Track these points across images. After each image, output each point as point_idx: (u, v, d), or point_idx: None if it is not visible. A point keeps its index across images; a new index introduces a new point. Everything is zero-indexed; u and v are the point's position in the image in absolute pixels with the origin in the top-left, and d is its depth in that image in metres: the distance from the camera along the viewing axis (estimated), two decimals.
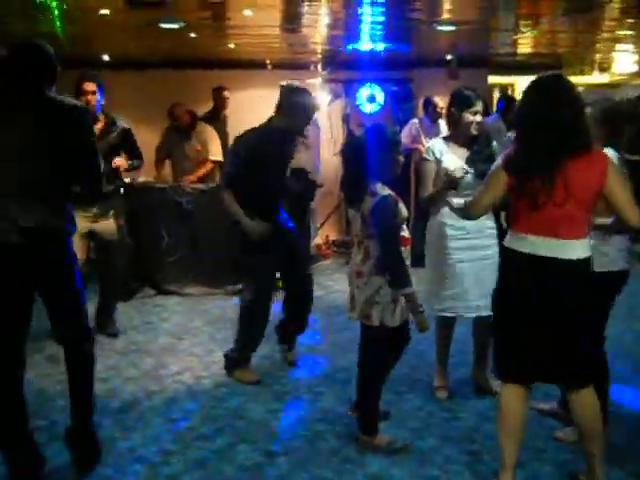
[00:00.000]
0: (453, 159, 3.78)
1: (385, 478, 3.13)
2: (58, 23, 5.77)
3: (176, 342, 5.07)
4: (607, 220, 2.93)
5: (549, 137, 2.66)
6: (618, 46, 8.35)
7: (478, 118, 3.82)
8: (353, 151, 3.35)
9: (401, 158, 3.30)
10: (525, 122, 2.78)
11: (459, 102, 3.82)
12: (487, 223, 3.84)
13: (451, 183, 3.63)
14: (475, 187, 3.58)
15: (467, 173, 3.61)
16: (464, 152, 3.83)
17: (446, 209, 3.74)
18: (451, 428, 3.64)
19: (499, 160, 2.84)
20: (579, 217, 2.71)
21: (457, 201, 3.30)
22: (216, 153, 6.99)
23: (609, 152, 2.99)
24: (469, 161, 3.78)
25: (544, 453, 3.33)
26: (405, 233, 3.24)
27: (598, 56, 9.30)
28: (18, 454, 2.97)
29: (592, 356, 2.87)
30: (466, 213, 3.06)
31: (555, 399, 3.65)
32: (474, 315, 3.88)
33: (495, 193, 2.81)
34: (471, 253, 3.82)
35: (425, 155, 3.90)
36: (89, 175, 3.08)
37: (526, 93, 2.83)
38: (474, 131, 3.81)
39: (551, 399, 3.69)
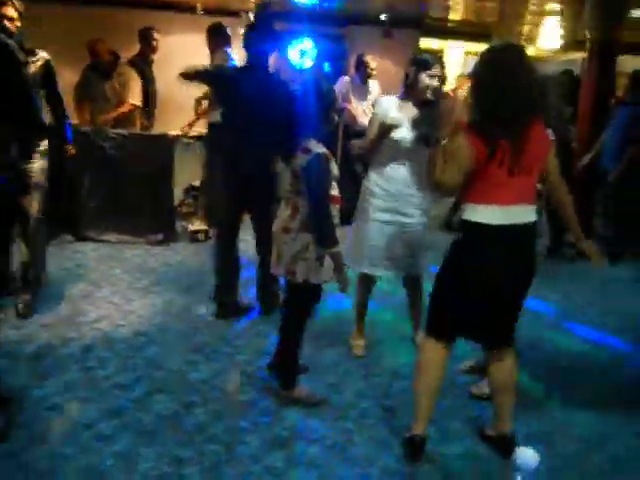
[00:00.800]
0: (399, 117, 3.76)
1: (302, 430, 3.20)
2: None
3: (94, 289, 4.97)
4: None
5: (515, 104, 2.68)
6: (545, 19, 8.55)
7: (435, 82, 3.73)
8: (286, 106, 3.31)
9: (335, 116, 3.29)
10: (486, 90, 2.76)
11: (417, 63, 3.76)
12: (416, 193, 3.84)
13: (386, 129, 3.66)
14: (416, 151, 3.64)
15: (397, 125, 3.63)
16: (414, 113, 3.78)
17: (380, 169, 3.81)
18: (367, 384, 3.74)
19: (454, 132, 2.78)
20: (535, 184, 2.86)
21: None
22: (136, 97, 6.78)
23: None
24: (413, 122, 3.74)
25: (453, 410, 3.47)
26: (335, 191, 3.24)
27: (526, 28, 9.49)
28: None
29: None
30: (435, 190, 2.97)
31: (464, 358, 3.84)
32: (396, 273, 3.98)
33: (461, 164, 2.72)
34: (392, 216, 3.85)
35: (374, 109, 3.91)
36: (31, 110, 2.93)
37: (484, 62, 2.81)
38: (429, 95, 3.73)
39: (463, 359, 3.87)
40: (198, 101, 6.68)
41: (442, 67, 3.80)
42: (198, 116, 6.73)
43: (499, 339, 2.99)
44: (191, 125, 6.83)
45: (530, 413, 3.47)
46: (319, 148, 3.14)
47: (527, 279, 2.89)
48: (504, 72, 2.72)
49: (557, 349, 4.41)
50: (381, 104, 3.87)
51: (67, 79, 5.84)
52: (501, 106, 2.69)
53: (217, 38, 6.26)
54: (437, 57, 3.86)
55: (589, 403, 3.67)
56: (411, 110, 3.78)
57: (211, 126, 6.17)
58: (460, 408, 3.51)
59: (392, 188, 3.82)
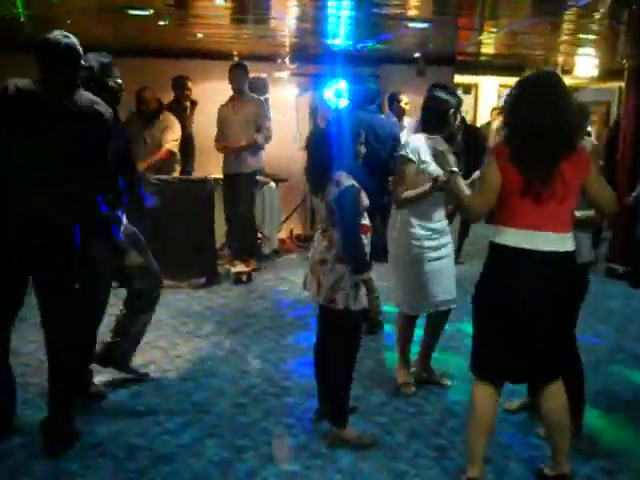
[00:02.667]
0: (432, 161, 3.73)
1: (355, 473, 3.14)
2: (20, 4, 5.66)
3: None
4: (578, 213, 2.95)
5: (548, 138, 2.68)
6: (580, 50, 8.51)
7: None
8: (317, 141, 3.38)
9: (362, 148, 3.37)
10: (521, 119, 2.75)
11: (457, 103, 3.85)
12: (444, 223, 3.93)
13: (438, 188, 3.60)
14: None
15: (453, 173, 3.31)
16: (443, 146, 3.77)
17: (415, 209, 3.80)
18: (418, 423, 3.67)
19: (488, 158, 2.83)
20: (571, 211, 2.80)
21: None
22: (172, 143, 6.92)
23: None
24: (458, 157, 3.79)
25: (509, 449, 3.38)
26: (366, 221, 3.33)
27: (561, 59, 9.46)
28: None
29: (565, 350, 2.96)
30: (467, 214, 2.98)
31: (519, 396, 3.74)
32: (445, 308, 3.96)
33: (494, 189, 2.76)
34: (439, 252, 3.87)
35: (410, 155, 3.78)
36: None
37: (520, 89, 2.82)
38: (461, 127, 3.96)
39: (515, 397, 3.76)
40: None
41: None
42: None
43: (542, 373, 2.89)
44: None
45: (592, 450, 3.37)
46: (349, 180, 3.24)
47: (559, 309, 2.79)
48: (540, 95, 2.72)
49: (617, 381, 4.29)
50: (414, 150, 3.79)
51: None
52: (535, 137, 2.68)
53: (241, 74, 6.63)
54: (452, 89, 4.05)
55: None
56: (440, 144, 3.73)
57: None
58: (517, 446, 3.41)
59: (434, 225, 3.85)
